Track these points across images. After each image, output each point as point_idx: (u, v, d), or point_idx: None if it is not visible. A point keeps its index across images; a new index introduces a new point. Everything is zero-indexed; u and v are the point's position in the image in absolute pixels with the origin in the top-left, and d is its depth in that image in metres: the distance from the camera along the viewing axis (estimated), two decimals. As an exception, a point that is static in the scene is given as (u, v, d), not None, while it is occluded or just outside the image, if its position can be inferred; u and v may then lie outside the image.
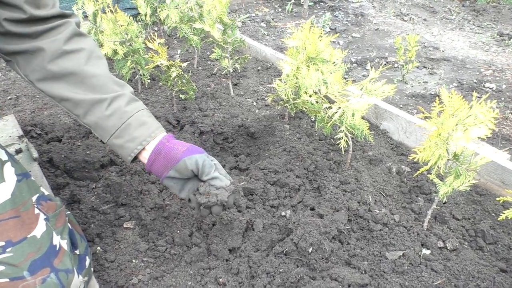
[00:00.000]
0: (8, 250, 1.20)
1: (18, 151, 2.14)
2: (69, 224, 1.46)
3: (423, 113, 1.52)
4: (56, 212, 1.38)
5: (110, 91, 1.36)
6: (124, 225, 1.81)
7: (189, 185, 1.44)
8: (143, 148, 1.37)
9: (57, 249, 1.31)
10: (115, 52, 2.74)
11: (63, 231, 1.38)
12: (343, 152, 2.20)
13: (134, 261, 1.64)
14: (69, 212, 1.57)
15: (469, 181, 1.53)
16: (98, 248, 1.68)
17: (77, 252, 1.42)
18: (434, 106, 1.48)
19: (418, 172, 1.69)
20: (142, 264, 1.63)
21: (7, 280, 1.19)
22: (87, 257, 1.44)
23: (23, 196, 1.29)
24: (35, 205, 1.32)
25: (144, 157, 1.39)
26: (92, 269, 1.47)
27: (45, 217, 1.33)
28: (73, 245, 1.42)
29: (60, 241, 1.34)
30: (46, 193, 1.43)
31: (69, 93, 1.34)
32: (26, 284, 1.20)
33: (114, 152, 2.13)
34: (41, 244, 1.26)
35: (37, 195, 1.36)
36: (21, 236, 1.23)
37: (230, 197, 1.41)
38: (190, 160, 1.35)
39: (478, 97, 1.25)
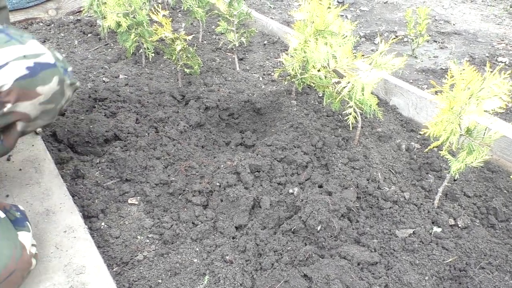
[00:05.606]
0: None
1: (21, 126, 2.10)
2: None
3: (434, 87, 1.46)
4: None
5: None
6: (129, 201, 1.79)
7: None
8: None
9: None
10: (118, 24, 2.67)
11: None
12: (351, 129, 2.15)
13: (139, 237, 1.62)
14: None
15: (482, 156, 1.49)
16: (103, 223, 1.66)
17: None
18: (445, 80, 1.42)
19: (429, 147, 1.65)
20: (147, 241, 1.61)
21: None
22: None
23: None
24: None
25: None
26: None
27: None
28: None
29: None
30: None
31: None
32: None
33: (118, 127, 2.09)
34: None
35: None
36: None
37: None
38: None
39: (490, 71, 1.19)
